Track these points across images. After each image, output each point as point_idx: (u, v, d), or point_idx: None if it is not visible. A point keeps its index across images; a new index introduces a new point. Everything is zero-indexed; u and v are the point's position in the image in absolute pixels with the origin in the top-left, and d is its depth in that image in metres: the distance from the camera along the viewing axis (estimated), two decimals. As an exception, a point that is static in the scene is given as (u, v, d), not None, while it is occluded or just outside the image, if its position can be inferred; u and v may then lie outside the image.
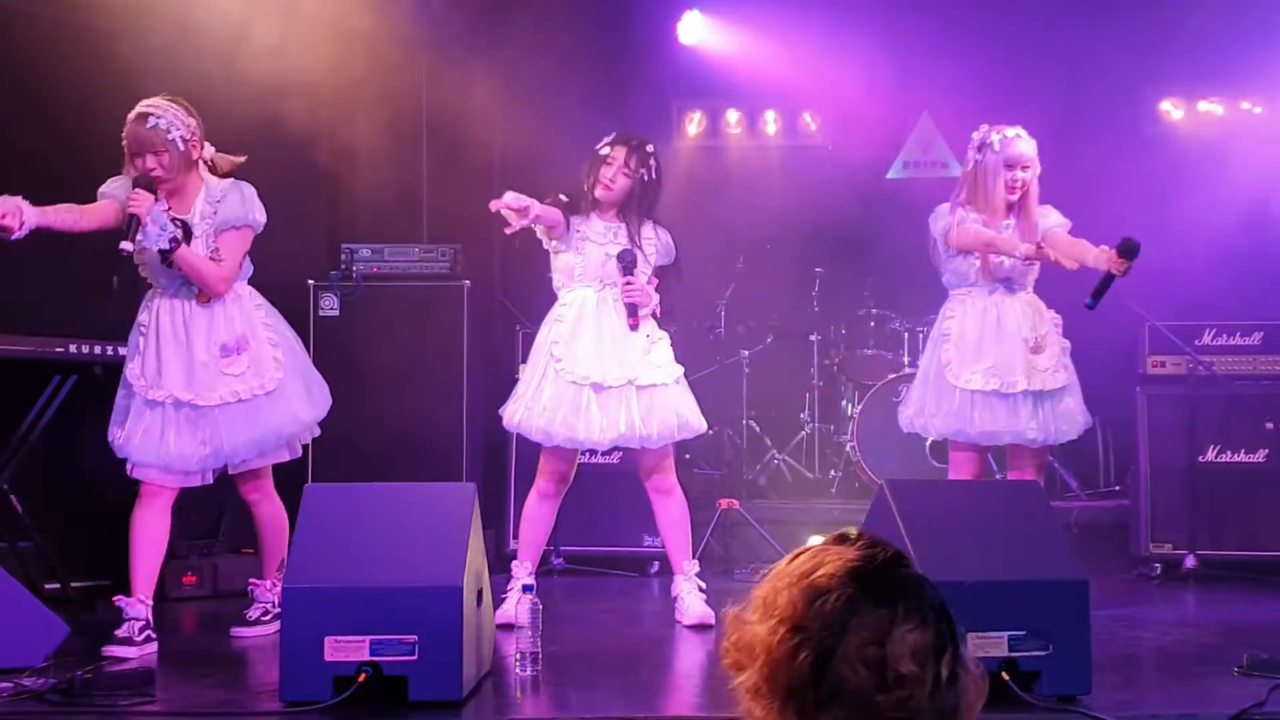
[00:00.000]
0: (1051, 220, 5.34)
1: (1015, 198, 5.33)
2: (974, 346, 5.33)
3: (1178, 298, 6.89)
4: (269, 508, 5.13)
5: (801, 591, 1.59)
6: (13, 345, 5.51)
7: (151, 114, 4.78)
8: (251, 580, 5.22)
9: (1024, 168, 5.30)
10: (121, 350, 5.57)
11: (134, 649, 4.62)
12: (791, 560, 1.69)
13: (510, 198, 5.02)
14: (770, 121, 9.27)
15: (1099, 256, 5.05)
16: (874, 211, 8.24)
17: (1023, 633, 3.78)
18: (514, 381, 5.51)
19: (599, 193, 5.27)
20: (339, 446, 6.35)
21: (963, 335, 5.35)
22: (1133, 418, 6.64)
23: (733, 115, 9.28)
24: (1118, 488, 7.73)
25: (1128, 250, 4.99)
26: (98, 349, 5.68)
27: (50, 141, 6.02)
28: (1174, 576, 6.38)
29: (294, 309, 6.48)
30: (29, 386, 5.77)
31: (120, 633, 4.65)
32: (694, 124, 9.30)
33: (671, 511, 5.37)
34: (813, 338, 8.27)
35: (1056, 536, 4.14)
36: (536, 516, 5.35)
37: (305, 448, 6.61)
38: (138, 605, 4.72)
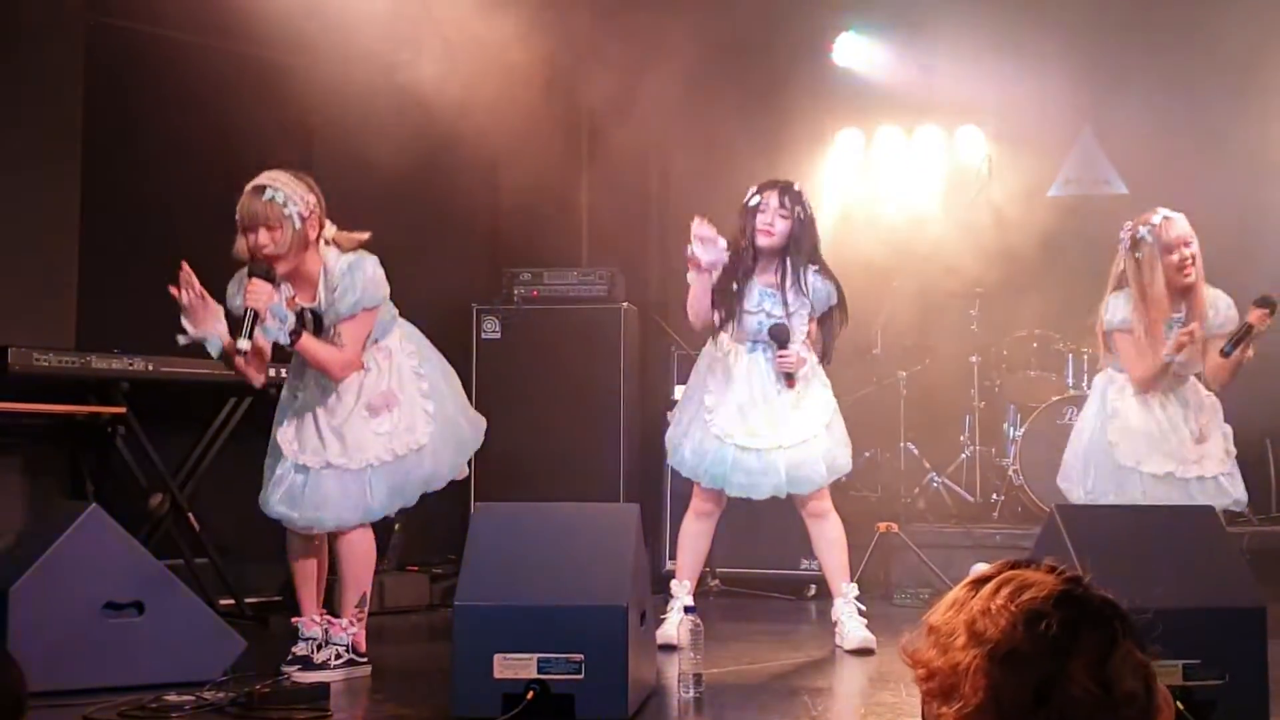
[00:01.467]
0: (1220, 316, 5.20)
1: (1190, 279, 5.13)
2: (1141, 432, 5.24)
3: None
4: (366, 545, 4.82)
5: (1017, 618, 1.60)
6: (191, 368, 5.70)
7: (269, 187, 4.51)
8: (326, 618, 4.83)
9: (1185, 244, 5.10)
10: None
11: (317, 671, 4.60)
12: (975, 587, 1.68)
13: (697, 226, 5.07)
14: (927, 138, 9.18)
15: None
16: (1035, 229, 8.10)
17: (1198, 661, 3.70)
18: (670, 403, 5.55)
19: (761, 241, 5.25)
20: (500, 465, 6.46)
21: (1126, 418, 5.29)
22: (1308, 441, 6.44)
23: (889, 132, 9.22)
24: (1292, 513, 7.49)
25: (1265, 303, 5.08)
26: (271, 371, 5.83)
27: (224, 171, 6.24)
28: (1352, 605, 6.16)
29: (457, 332, 6.64)
30: (206, 407, 5.97)
31: (298, 650, 4.71)
32: (849, 142, 9.25)
33: (827, 534, 5.35)
34: (973, 359, 8.15)
35: (1233, 562, 4.04)
36: (694, 534, 5.38)
37: (469, 464, 6.76)
38: (310, 625, 4.77)
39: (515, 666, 3.78)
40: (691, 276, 5.19)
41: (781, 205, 5.24)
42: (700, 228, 5.09)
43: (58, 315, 5.99)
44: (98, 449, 5.71)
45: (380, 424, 4.72)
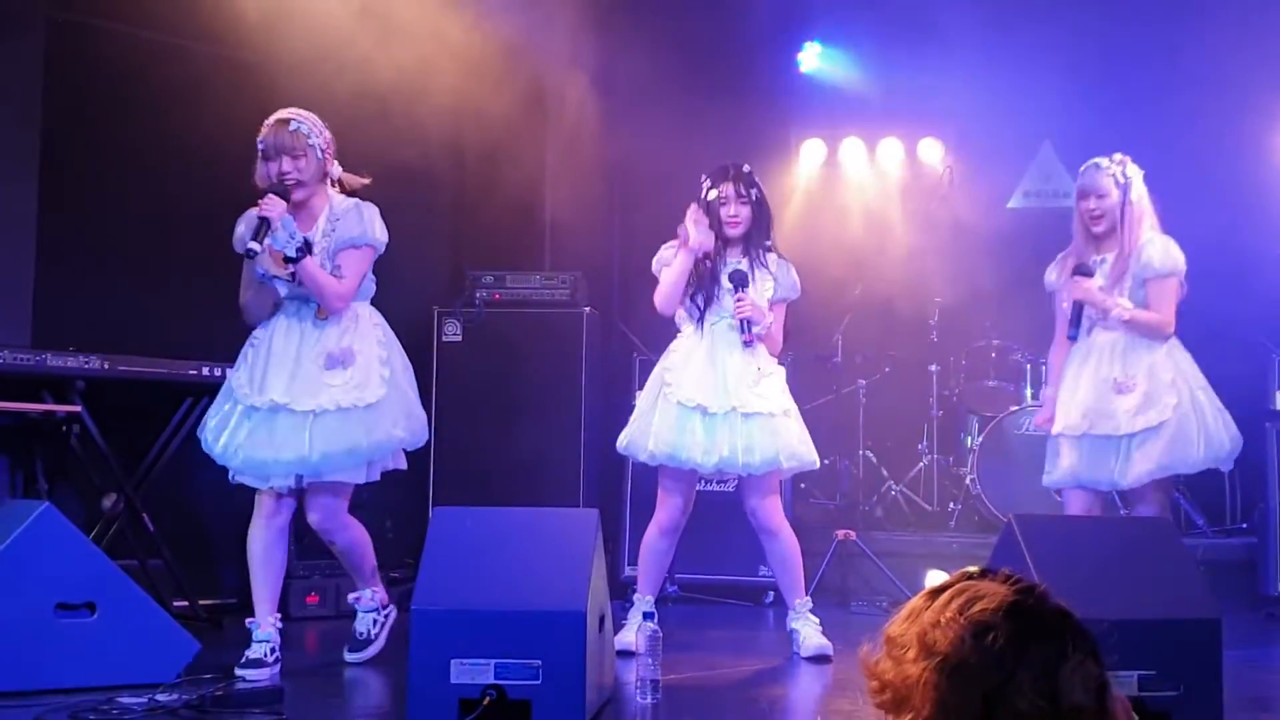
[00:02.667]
0: (1152, 268, 5.23)
1: (1098, 229, 5.26)
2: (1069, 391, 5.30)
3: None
4: (350, 535, 4.98)
5: (966, 630, 1.59)
6: (146, 367, 5.66)
7: (294, 119, 4.83)
8: (352, 594, 5.16)
9: (1098, 197, 5.22)
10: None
11: (265, 670, 4.66)
12: (931, 597, 1.69)
13: (694, 212, 5.22)
14: (890, 149, 9.23)
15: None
16: (994, 240, 8.16)
17: (1153, 672, 3.72)
18: (631, 408, 5.53)
19: (730, 233, 5.28)
20: (460, 470, 6.44)
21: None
22: (1262, 454, 6.49)
23: (852, 143, 9.26)
24: (1245, 525, 7.56)
25: (1082, 270, 5.19)
26: (229, 370, 5.78)
27: (183, 170, 6.21)
28: (1304, 617, 6.23)
29: (418, 334, 6.60)
30: (162, 407, 5.93)
31: (251, 654, 4.69)
32: (813, 152, 9.29)
33: (778, 550, 5.31)
34: (932, 368, 8.19)
35: (1189, 574, 4.07)
36: (656, 551, 5.33)
37: (427, 471, 6.72)
38: (265, 626, 4.77)
39: (472, 672, 3.76)
40: (671, 257, 5.24)
41: (739, 194, 5.28)
42: (696, 213, 5.21)
43: (14, 313, 5.94)
44: (52, 448, 5.64)
45: (333, 376, 4.79)
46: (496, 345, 6.95)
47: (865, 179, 9.25)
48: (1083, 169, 5.32)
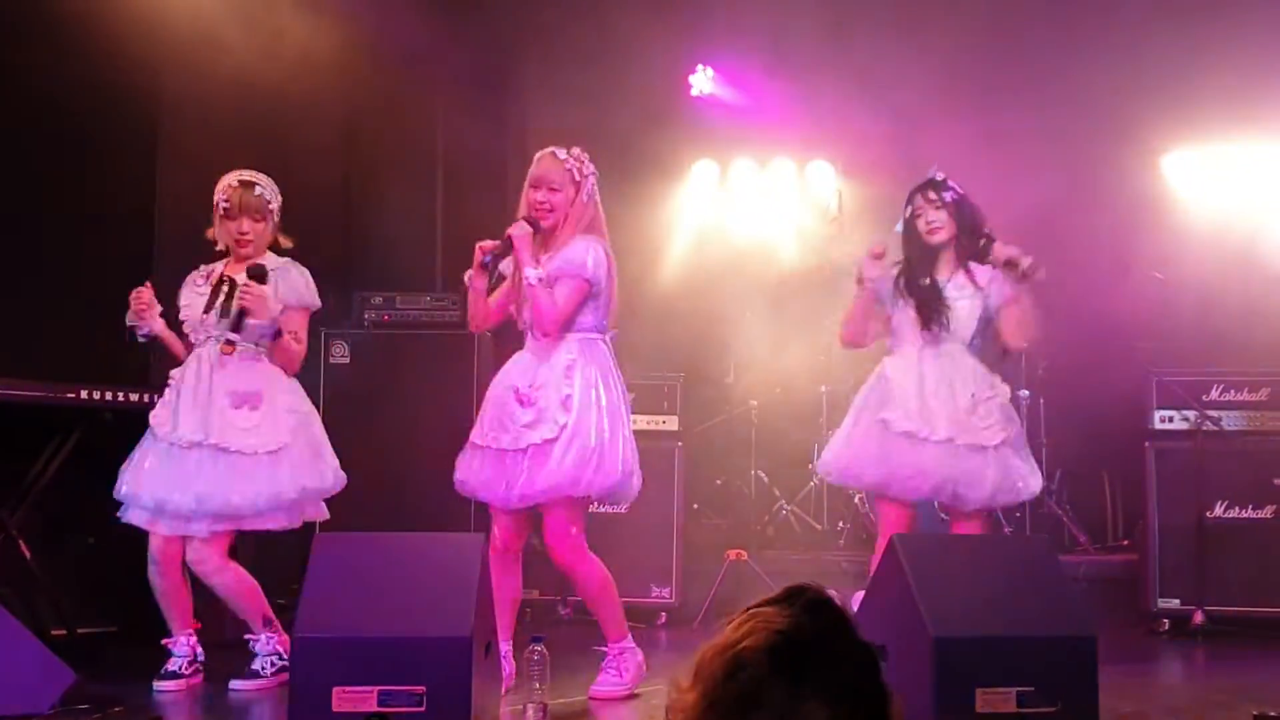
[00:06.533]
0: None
1: (935, 240, 5.25)
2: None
3: (1186, 351, 6.90)
4: (230, 576, 4.98)
5: (722, 663, 1.57)
6: (23, 390, 5.52)
7: (258, 183, 5.00)
8: (248, 635, 5.09)
9: (550, 189, 4.81)
10: (132, 396, 5.61)
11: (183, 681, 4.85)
12: (731, 624, 1.66)
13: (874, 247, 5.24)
14: (780, 169, 9.31)
15: None
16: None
17: (1031, 689, 3.77)
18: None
19: (932, 240, 5.29)
20: (346, 494, 6.32)
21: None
22: (1141, 472, 6.63)
23: (743, 164, 9.34)
24: (1126, 542, 7.71)
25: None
26: (108, 394, 5.68)
27: (69, 191, 6.08)
28: (1182, 632, 6.35)
29: (305, 356, 6.50)
30: (39, 430, 5.79)
31: (170, 665, 4.87)
32: (705, 173, 9.35)
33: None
34: (822, 389, 8.26)
35: (1066, 592, 4.14)
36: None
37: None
38: (178, 643, 4.92)
39: (355, 699, 3.71)
40: (854, 292, 5.31)
41: (930, 200, 5.25)
42: (875, 248, 5.22)
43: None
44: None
45: (240, 419, 4.87)
46: (385, 367, 6.87)
47: (756, 200, 9.32)
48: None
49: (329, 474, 5.07)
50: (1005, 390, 5.27)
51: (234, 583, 4.97)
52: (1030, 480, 5.20)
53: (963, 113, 8.29)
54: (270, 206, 5.00)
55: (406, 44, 6.91)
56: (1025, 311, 5.18)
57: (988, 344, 5.32)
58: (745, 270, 8.68)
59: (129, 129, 6.47)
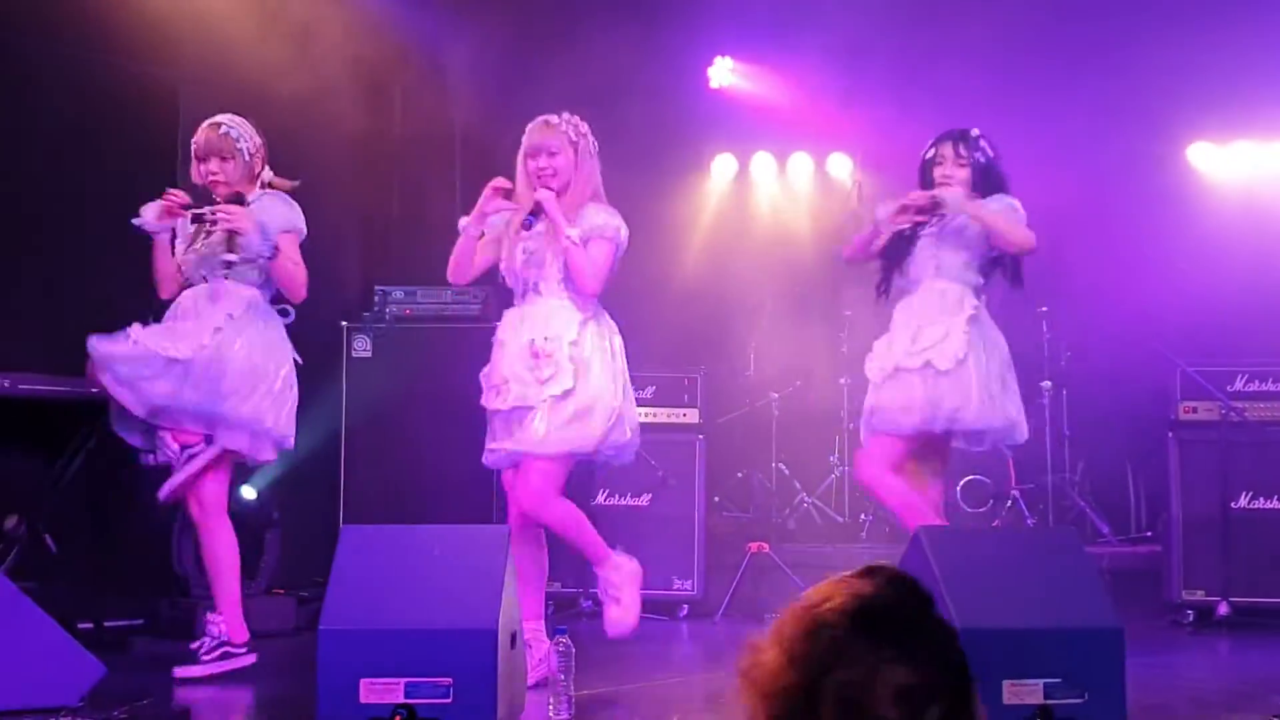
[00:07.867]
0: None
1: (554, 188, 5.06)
2: None
3: (1210, 341, 6.89)
4: (221, 532, 5.00)
5: (803, 622, 1.58)
6: (50, 385, 5.55)
7: (224, 123, 5.06)
8: (209, 616, 5.06)
9: (550, 154, 4.88)
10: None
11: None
12: (811, 590, 1.67)
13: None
14: (799, 163, 9.30)
15: None
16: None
17: (1058, 680, 3.77)
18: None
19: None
20: (369, 487, 6.38)
21: None
22: (1165, 463, 6.60)
23: (762, 158, 9.32)
24: (1149, 534, 7.68)
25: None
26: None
27: (79, 184, 6.10)
28: (1207, 624, 6.33)
29: (327, 350, 6.54)
30: (64, 427, 5.81)
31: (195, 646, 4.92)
32: (724, 167, 9.35)
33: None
34: (842, 381, 8.25)
35: (1093, 583, 4.12)
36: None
37: (336, 488, 6.65)
38: (211, 624, 4.94)
39: (381, 691, 3.72)
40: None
41: (957, 155, 5.23)
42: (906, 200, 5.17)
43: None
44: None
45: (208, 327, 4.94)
46: (407, 361, 6.89)
47: (776, 193, 9.32)
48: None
49: (284, 423, 5.05)
50: (966, 315, 5.19)
51: (217, 545, 5.02)
52: (964, 412, 5.09)
53: (987, 105, 8.27)
54: (239, 145, 5.03)
55: (426, 39, 6.92)
56: (988, 222, 5.13)
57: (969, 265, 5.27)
58: (765, 263, 8.67)
59: (150, 132, 6.50)
